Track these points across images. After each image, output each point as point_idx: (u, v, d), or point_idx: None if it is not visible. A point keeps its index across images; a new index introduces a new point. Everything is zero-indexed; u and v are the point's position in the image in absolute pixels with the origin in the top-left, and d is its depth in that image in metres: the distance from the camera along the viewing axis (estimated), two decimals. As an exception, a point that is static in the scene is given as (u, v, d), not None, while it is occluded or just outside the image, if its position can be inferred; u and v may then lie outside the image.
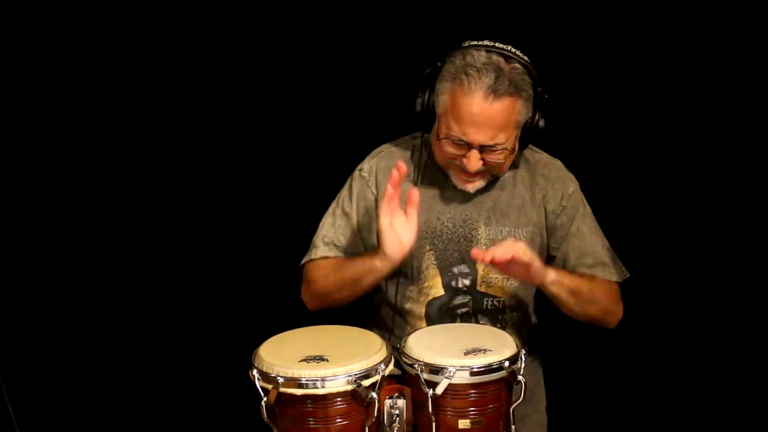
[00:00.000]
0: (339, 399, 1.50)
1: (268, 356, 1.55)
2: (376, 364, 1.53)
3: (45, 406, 2.48)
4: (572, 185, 1.93)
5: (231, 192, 2.59)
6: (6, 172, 2.39)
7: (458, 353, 1.56)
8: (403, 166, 1.71)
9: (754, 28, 2.28)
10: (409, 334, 1.70)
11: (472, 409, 1.55)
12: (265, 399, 1.51)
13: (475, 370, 1.53)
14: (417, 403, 1.58)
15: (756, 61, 2.29)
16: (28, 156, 2.41)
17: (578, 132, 2.34)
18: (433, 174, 1.90)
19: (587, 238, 1.90)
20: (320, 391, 1.48)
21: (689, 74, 2.38)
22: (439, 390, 1.52)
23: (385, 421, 1.56)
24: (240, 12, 2.46)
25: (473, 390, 1.54)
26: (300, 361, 1.52)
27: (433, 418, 1.53)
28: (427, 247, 1.89)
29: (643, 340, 2.50)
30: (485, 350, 1.57)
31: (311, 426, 1.51)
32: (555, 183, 1.92)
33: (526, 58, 1.74)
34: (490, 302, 1.90)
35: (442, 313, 1.90)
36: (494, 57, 1.71)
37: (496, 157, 1.77)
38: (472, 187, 1.84)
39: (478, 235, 1.88)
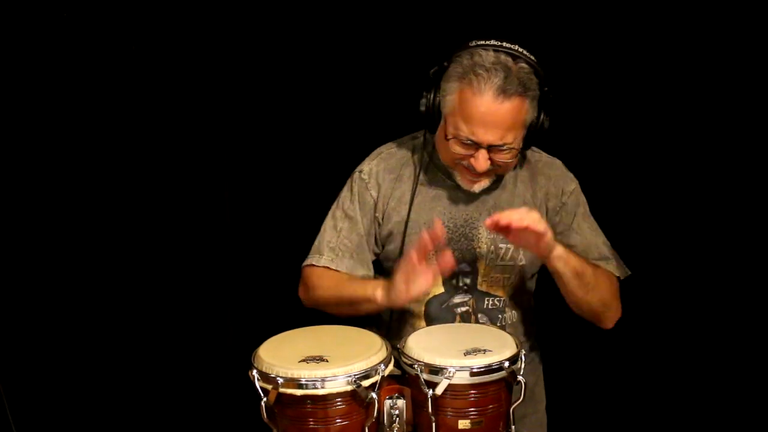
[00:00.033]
0: (339, 399, 1.50)
1: (268, 356, 1.55)
2: (375, 365, 1.53)
3: (44, 405, 2.48)
4: (572, 183, 1.94)
5: (231, 192, 2.59)
6: (6, 172, 2.39)
7: (458, 353, 1.56)
8: (440, 230, 1.69)
9: (754, 28, 2.28)
10: (409, 334, 1.70)
11: (472, 409, 1.55)
12: (264, 399, 1.50)
13: (475, 370, 1.53)
14: (417, 403, 1.58)
15: (756, 62, 2.29)
16: (28, 156, 2.41)
17: (578, 132, 2.34)
18: (433, 174, 1.90)
19: (588, 234, 1.91)
20: (320, 392, 1.48)
21: (688, 73, 2.38)
22: (439, 390, 1.52)
23: (385, 421, 1.56)
24: (240, 12, 2.46)
25: (473, 390, 1.54)
26: (300, 362, 1.52)
27: (433, 418, 1.53)
28: (428, 247, 1.89)
29: (643, 340, 2.51)
30: (485, 350, 1.57)
31: (311, 426, 1.51)
32: (556, 181, 1.92)
33: (532, 57, 1.74)
34: (490, 301, 1.90)
35: (441, 312, 1.90)
36: (502, 57, 1.71)
37: (503, 157, 1.77)
38: (478, 186, 1.84)
39: (479, 234, 1.88)
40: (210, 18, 2.45)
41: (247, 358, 1.58)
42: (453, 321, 1.89)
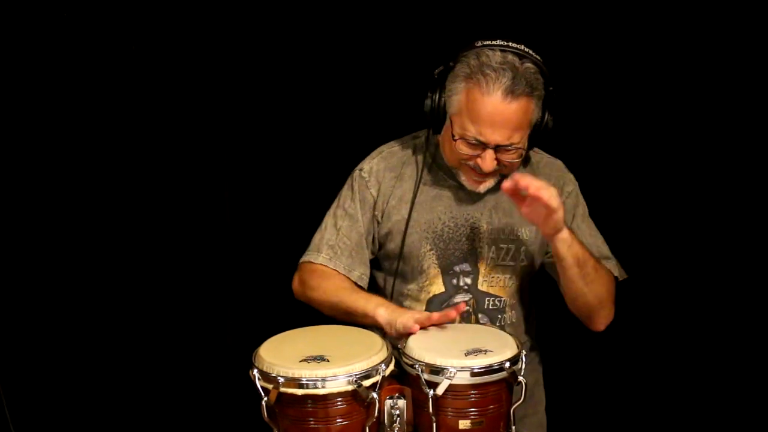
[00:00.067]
0: (339, 399, 1.50)
1: (269, 356, 1.54)
2: (376, 365, 1.53)
3: (43, 405, 2.48)
4: (571, 185, 1.95)
5: (231, 192, 2.59)
6: (6, 172, 2.38)
7: (459, 354, 1.56)
8: (460, 309, 1.71)
9: (754, 28, 2.28)
10: (410, 334, 1.70)
11: (473, 409, 1.55)
12: (265, 399, 1.50)
13: (475, 370, 1.53)
14: (417, 403, 1.57)
15: (756, 62, 2.30)
16: (28, 156, 2.41)
17: (578, 132, 2.34)
18: (435, 173, 1.91)
19: (587, 235, 1.91)
20: (321, 391, 1.48)
21: (687, 74, 2.38)
22: (440, 390, 1.52)
23: (386, 421, 1.56)
24: (240, 11, 2.46)
25: (474, 390, 1.54)
26: (300, 361, 1.52)
27: (434, 418, 1.53)
28: (428, 247, 1.89)
29: (643, 340, 2.51)
30: (486, 351, 1.57)
31: (311, 426, 1.51)
32: (555, 181, 1.91)
33: (538, 57, 1.74)
34: (491, 302, 1.90)
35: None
36: (509, 57, 1.71)
37: (510, 157, 1.77)
38: (483, 187, 1.84)
39: (480, 234, 1.89)
40: (210, 17, 2.45)
41: (247, 358, 1.58)
42: (453, 321, 1.89)
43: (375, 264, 1.99)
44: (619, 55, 2.39)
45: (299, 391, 1.48)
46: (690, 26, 2.34)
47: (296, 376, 1.48)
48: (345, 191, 1.96)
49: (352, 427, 1.52)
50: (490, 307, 1.90)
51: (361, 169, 1.95)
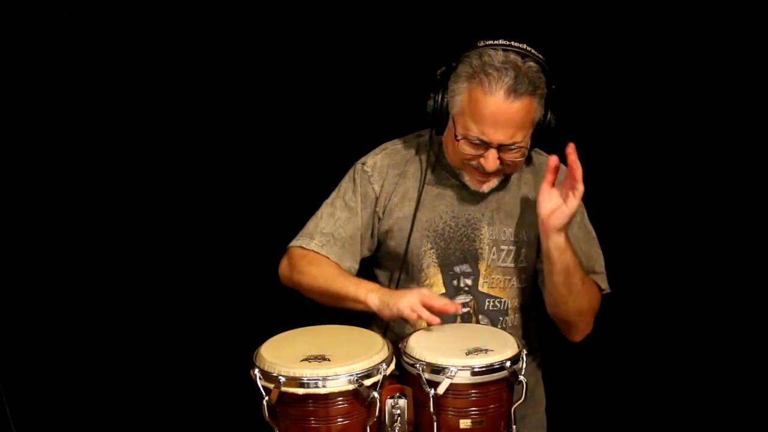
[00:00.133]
0: (340, 398, 1.50)
1: (270, 356, 1.55)
2: (377, 364, 1.53)
3: (44, 405, 2.48)
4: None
5: (231, 192, 2.59)
6: (6, 172, 2.38)
7: (460, 353, 1.57)
8: (458, 309, 1.73)
9: (754, 28, 2.28)
10: (411, 333, 1.70)
11: (474, 409, 1.55)
12: (266, 398, 1.51)
13: (476, 370, 1.53)
14: (418, 402, 1.58)
15: (756, 63, 2.30)
16: (29, 156, 2.41)
17: (581, 130, 2.34)
18: (438, 172, 1.90)
19: (582, 243, 1.89)
20: (322, 391, 1.49)
21: (687, 75, 2.38)
22: (441, 390, 1.52)
23: (387, 420, 1.56)
24: (240, 11, 2.46)
25: (474, 390, 1.54)
26: (301, 361, 1.52)
27: (435, 417, 1.54)
28: (429, 246, 1.89)
29: (642, 340, 2.51)
30: (487, 350, 1.57)
31: (312, 425, 1.51)
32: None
33: (540, 56, 1.74)
34: (491, 303, 1.90)
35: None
36: (512, 56, 1.71)
37: (513, 156, 1.77)
38: (486, 186, 1.84)
39: (481, 235, 1.88)
40: (210, 17, 2.45)
41: (248, 358, 1.58)
42: (454, 322, 1.88)
43: (375, 262, 1.98)
44: (621, 53, 2.39)
45: (300, 391, 1.49)
46: (691, 26, 2.34)
47: (297, 375, 1.49)
48: (346, 183, 1.95)
49: (353, 426, 1.52)
50: (491, 308, 1.90)
51: (364, 164, 1.94)
